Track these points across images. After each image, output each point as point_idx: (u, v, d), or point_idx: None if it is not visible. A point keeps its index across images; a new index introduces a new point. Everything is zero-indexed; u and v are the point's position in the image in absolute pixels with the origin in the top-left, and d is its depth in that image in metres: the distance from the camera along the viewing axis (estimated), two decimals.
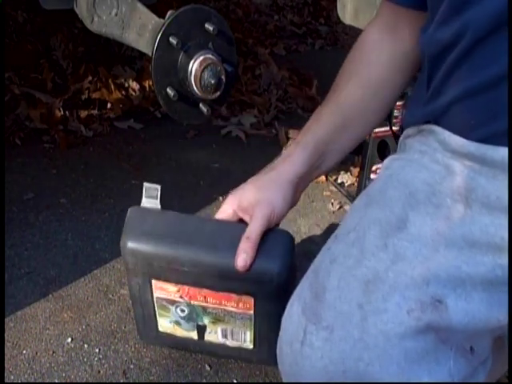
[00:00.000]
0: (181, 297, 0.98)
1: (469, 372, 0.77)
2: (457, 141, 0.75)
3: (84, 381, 1.20)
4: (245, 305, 0.94)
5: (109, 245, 1.59)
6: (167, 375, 1.23)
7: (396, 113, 1.73)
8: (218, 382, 1.22)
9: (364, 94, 0.92)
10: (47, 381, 1.20)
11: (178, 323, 1.03)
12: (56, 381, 1.20)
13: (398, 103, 1.73)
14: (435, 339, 0.72)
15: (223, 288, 0.93)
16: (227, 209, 0.91)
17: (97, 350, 1.27)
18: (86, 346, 1.28)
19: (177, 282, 0.96)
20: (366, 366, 0.71)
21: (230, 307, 0.96)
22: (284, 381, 0.81)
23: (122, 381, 1.21)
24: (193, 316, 1.01)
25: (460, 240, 0.72)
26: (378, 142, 1.75)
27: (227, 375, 1.24)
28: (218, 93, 1.18)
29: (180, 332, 1.05)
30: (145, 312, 1.04)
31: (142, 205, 0.98)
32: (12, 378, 1.20)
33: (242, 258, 0.86)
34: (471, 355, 0.77)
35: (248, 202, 0.89)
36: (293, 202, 0.91)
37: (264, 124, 2.32)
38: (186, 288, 0.96)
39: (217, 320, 0.99)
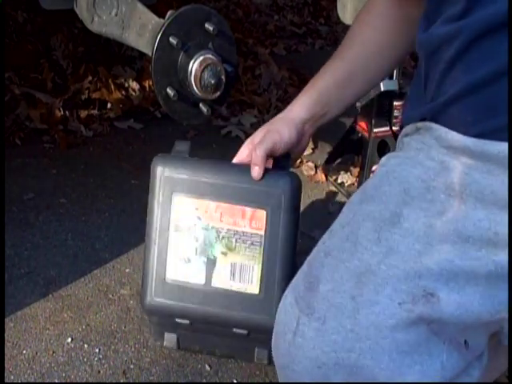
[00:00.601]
0: (198, 217, 1.07)
1: (463, 366, 0.77)
2: (454, 136, 0.76)
3: (84, 381, 1.20)
4: (257, 223, 1.05)
5: (109, 245, 1.59)
6: (167, 375, 1.23)
7: (396, 113, 1.73)
8: (217, 382, 1.22)
9: (368, 53, 0.99)
10: (47, 381, 1.20)
11: (188, 261, 1.08)
12: (56, 381, 1.20)
13: (397, 103, 1.73)
14: (427, 332, 0.73)
15: (239, 200, 1.05)
16: (243, 150, 1.04)
17: (97, 350, 1.27)
18: (86, 345, 1.28)
19: (197, 195, 1.07)
20: (358, 356, 0.72)
21: (243, 227, 1.05)
22: (278, 373, 0.82)
23: (122, 381, 1.21)
24: (205, 247, 1.07)
25: (453, 235, 0.73)
26: (377, 142, 1.75)
27: (227, 375, 1.24)
28: (218, 93, 1.19)
29: (188, 276, 1.09)
30: (157, 249, 1.09)
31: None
32: (12, 378, 1.20)
33: (255, 170, 1.01)
34: (465, 349, 0.77)
35: (259, 138, 1.01)
36: (299, 142, 1.02)
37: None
38: (205, 203, 1.07)
39: (228, 249, 1.06)
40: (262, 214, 1.05)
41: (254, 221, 1.06)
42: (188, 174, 1.08)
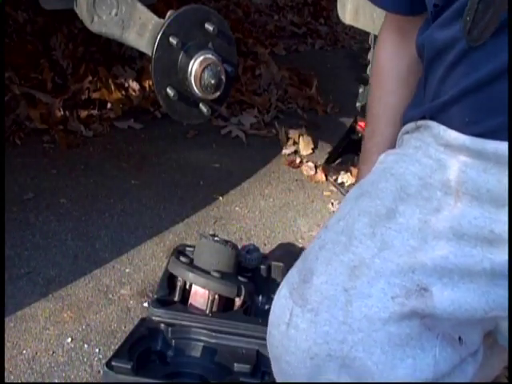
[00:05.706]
0: None
1: (456, 361, 0.78)
2: (451, 134, 0.77)
3: (84, 381, 1.20)
4: None
5: (109, 245, 1.59)
6: None
7: None
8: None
9: (392, 114, 0.96)
10: (47, 381, 1.20)
11: None
12: (56, 381, 1.20)
13: None
14: (420, 326, 0.73)
15: None
16: None
17: (97, 350, 1.27)
18: (85, 346, 1.28)
19: None
20: (350, 348, 0.72)
21: None
22: (272, 364, 0.82)
23: None
24: None
25: (448, 232, 0.74)
26: None
27: None
28: (218, 93, 1.18)
29: None
30: None
31: None
32: (12, 378, 1.20)
33: None
34: (459, 345, 0.77)
35: None
36: None
37: (264, 124, 2.31)
38: None
39: None
40: None
41: None
42: None
